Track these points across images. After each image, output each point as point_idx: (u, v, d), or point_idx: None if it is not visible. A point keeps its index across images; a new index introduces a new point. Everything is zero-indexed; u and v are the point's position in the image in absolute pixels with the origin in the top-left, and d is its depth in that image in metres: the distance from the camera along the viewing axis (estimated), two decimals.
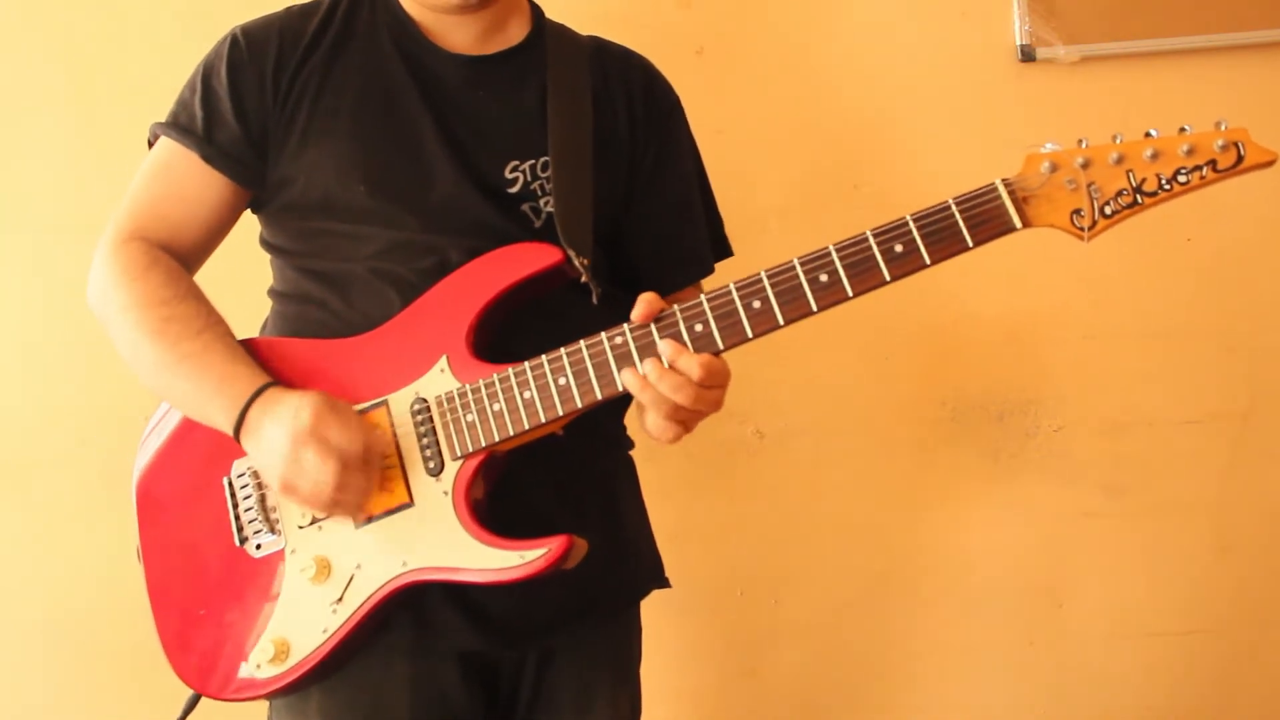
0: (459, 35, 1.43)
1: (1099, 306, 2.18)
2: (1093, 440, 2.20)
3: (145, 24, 2.06)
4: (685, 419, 1.27)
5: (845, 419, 2.18)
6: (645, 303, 1.25)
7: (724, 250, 1.59)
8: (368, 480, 1.28)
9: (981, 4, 2.14)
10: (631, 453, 1.54)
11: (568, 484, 1.38)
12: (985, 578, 2.22)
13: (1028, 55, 2.12)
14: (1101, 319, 2.18)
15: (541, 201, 1.39)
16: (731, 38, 2.14)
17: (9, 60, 2.06)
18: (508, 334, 1.34)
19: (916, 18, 2.15)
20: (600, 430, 1.41)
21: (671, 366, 1.22)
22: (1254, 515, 2.22)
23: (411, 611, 1.32)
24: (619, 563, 1.46)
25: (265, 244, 1.48)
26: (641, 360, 1.24)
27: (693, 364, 1.22)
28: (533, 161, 1.39)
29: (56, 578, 2.08)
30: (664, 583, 1.55)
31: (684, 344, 1.23)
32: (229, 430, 1.30)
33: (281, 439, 1.26)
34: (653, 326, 1.25)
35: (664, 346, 1.23)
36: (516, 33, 1.47)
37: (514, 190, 1.39)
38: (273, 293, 1.48)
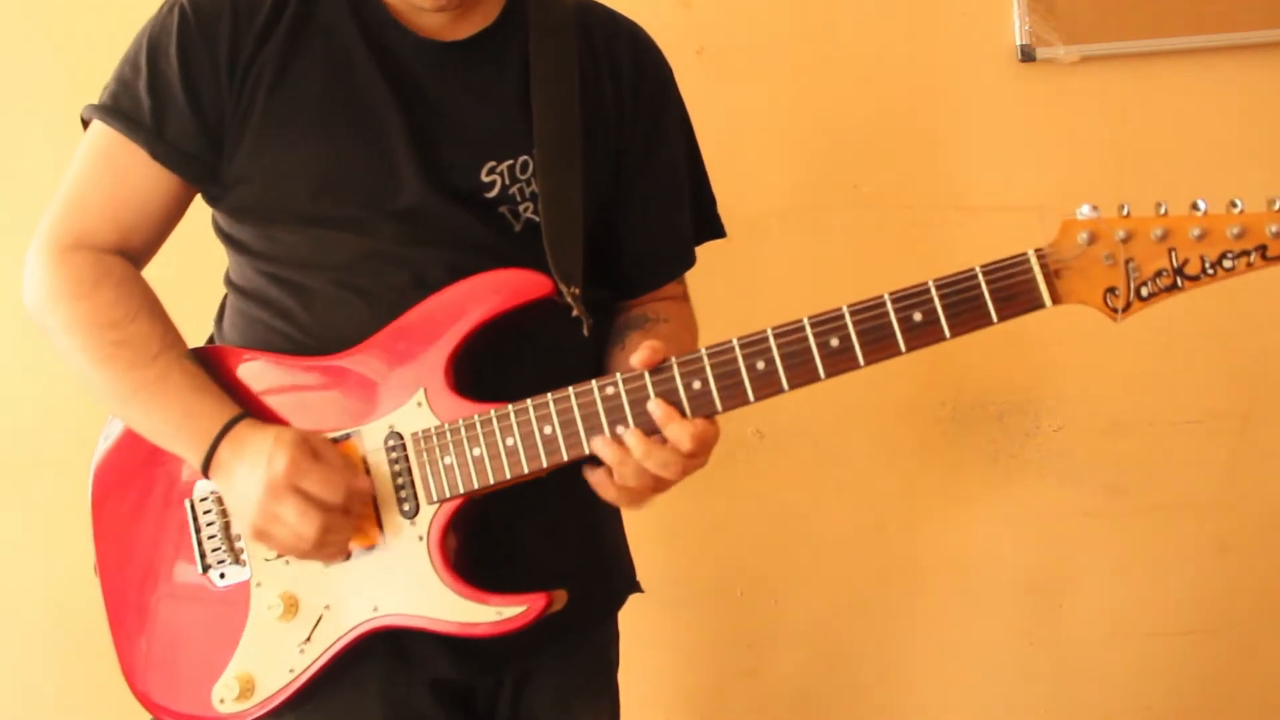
0: (429, 17, 1.28)
1: None
2: (1093, 440, 2.20)
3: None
4: (660, 487, 1.18)
5: (845, 419, 2.18)
6: (650, 350, 1.15)
7: (716, 230, 1.49)
8: (352, 527, 1.21)
9: (981, 4, 2.14)
10: None
11: (546, 504, 1.28)
12: (985, 578, 2.22)
13: (1028, 55, 2.12)
14: (1101, 319, 2.17)
15: (521, 207, 1.29)
16: (731, 38, 2.13)
17: (9, 60, 2.06)
18: (486, 358, 1.25)
19: (917, 18, 2.15)
20: None
21: (661, 431, 1.14)
22: (1254, 515, 2.22)
23: (385, 641, 1.25)
24: (599, 578, 1.41)
25: (221, 233, 1.35)
26: (634, 416, 1.15)
27: (683, 434, 1.13)
28: (511, 162, 1.28)
29: (56, 578, 2.08)
30: (638, 588, 1.49)
31: (677, 403, 1.14)
32: (196, 467, 1.23)
33: (255, 486, 1.17)
34: (648, 378, 1.16)
35: (654, 408, 1.14)
36: (493, 6, 1.32)
37: (491, 194, 1.28)
38: (230, 284, 1.37)
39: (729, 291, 2.08)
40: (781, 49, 2.14)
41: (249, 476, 1.18)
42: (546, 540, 1.32)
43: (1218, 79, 2.15)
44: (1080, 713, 2.26)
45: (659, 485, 1.18)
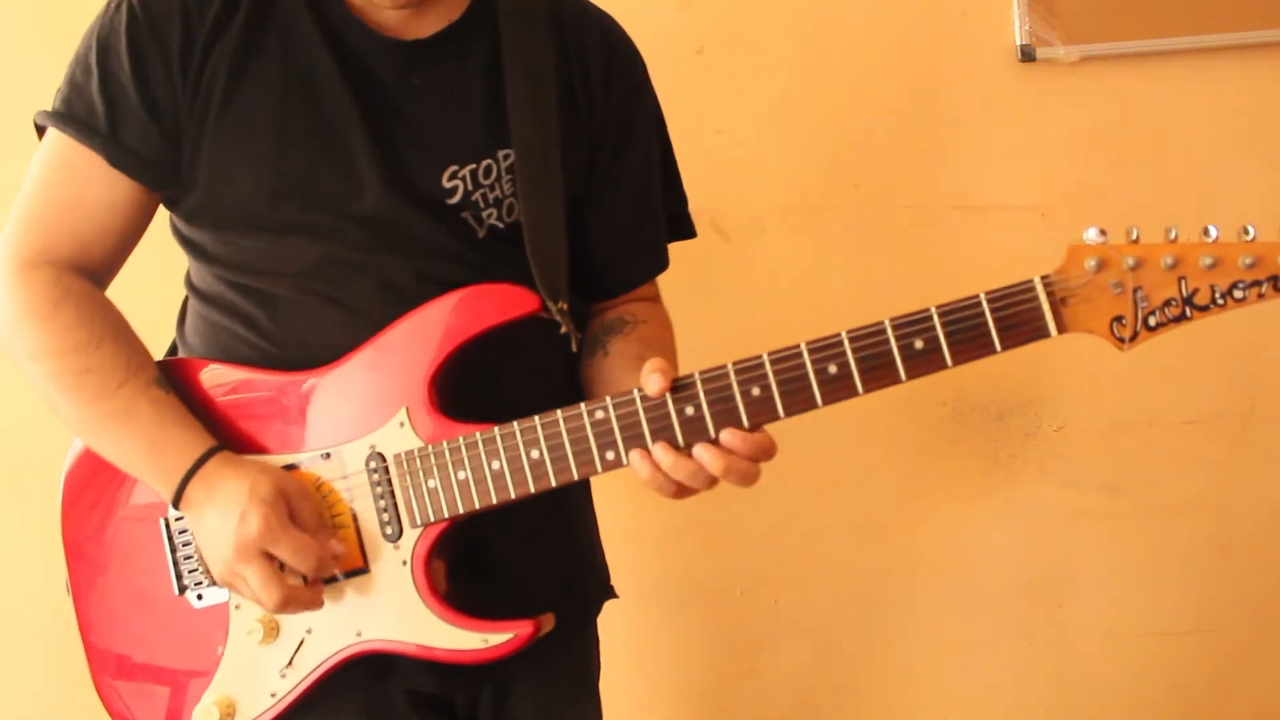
0: (389, 14, 1.23)
1: None
2: (1093, 440, 2.19)
3: None
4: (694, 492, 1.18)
5: (845, 418, 2.16)
6: (663, 374, 1.12)
7: (687, 230, 1.45)
8: (318, 594, 1.18)
9: (981, 4, 2.14)
10: None
11: (521, 509, 1.22)
12: (985, 578, 2.22)
13: (1028, 55, 2.12)
14: None
15: (485, 213, 1.25)
16: (731, 38, 2.13)
17: (9, 60, 2.06)
18: (467, 372, 1.22)
19: (916, 18, 2.15)
20: None
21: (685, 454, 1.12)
22: (1254, 515, 2.22)
23: (366, 658, 1.22)
24: (576, 586, 1.39)
25: (179, 237, 1.31)
26: (625, 444, 1.13)
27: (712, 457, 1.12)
28: (474, 166, 1.24)
29: (56, 578, 2.07)
30: (613, 593, 1.46)
31: (671, 428, 1.12)
32: (166, 501, 1.20)
33: (224, 539, 1.14)
34: (639, 403, 1.12)
35: (658, 452, 1.12)
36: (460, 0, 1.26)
37: (453, 200, 1.23)
38: (191, 287, 1.32)
39: (728, 291, 2.08)
40: (781, 49, 2.14)
41: (220, 525, 1.15)
42: (523, 546, 1.29)
43: (1218, 79, 2.15)
44: (1080, 713, 2.25)
45: (686, 492, 1.18)
